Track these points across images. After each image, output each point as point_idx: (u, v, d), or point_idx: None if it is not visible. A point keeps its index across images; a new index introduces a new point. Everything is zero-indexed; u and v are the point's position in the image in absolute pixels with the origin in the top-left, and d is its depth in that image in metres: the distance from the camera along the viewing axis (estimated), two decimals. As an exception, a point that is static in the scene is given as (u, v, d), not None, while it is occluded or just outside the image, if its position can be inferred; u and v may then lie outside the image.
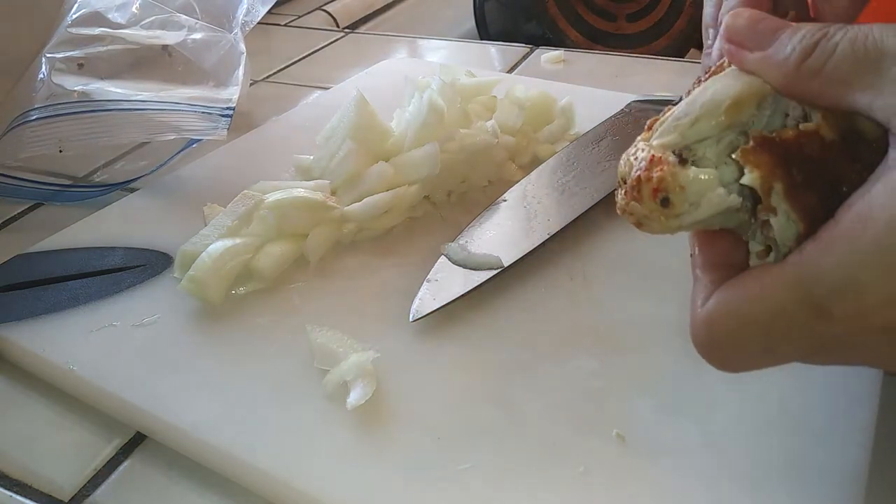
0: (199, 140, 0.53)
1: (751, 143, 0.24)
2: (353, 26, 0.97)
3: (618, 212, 0.27)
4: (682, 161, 0.25)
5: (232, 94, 0.54)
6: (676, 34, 0.91)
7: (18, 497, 0.32)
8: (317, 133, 0.49)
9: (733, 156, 0.25)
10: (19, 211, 0.53)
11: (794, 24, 0.25)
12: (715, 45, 0.28)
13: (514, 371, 0.33)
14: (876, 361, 0.25)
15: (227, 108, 0.52)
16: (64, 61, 0.54)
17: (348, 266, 0.43)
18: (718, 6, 0.32)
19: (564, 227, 0.43)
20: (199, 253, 0.40)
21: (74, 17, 0.56)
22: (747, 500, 0.29)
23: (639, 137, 0.27)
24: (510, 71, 0.73)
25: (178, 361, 0.37)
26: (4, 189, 0.52)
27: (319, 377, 0.35)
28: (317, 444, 0.32)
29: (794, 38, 0.24)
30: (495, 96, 0.53)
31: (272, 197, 0.43)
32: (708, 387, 0.34)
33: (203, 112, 0.52)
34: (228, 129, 0.51)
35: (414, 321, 0.38)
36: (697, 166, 0.25)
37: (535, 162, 0.51)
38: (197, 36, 0.59)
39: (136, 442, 0.35)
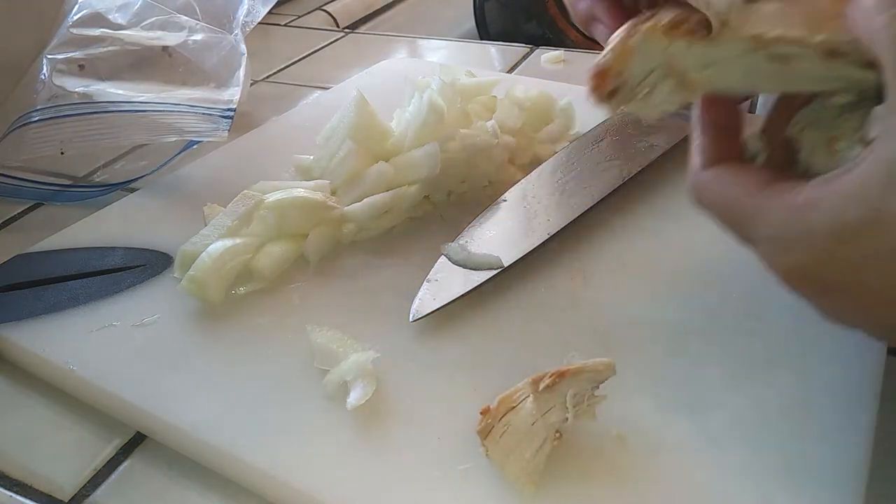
0: (200, 141, 0.53)
1: None
2: (353, 26, 0.97)
3: None
4: None
5: (233, 95, 0.54)
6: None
7: (18, 497, 0.32)
8: (317, 133, 0.49)
9: None
10: (19, 211, 0.53)
11: None
12: None
13: (514, 371, 0.33)
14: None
15: (228, 110, 0.52)
16: (65, 62, 0.54)
17: (348, 266, 0.43)
18: None
19: (564, 227, 0.43)
20: (199, 253, 0.40)
21: (75, 17, 0.56)
22: (747, 500, 0.29)
23: None
24: (510, 71, 0.73)
25: (178, 361, 0.37)
26: (4, 189, 0.52)
27: (319, 377, 0.35)
28: (317, 444, 0.32)
29: None
30: (495, 96, 0.53)
31: (272, 197, 0.43)
32: (708, 387, 0.34)
33: (204, 113, 0.52)
34: (229, 130, 0.51)
35: (414, 321, 0.38)
36: None
37: (535, 162, 0.51)
38: (197, 37, 0.59)
39: (136, 442, 0.35)
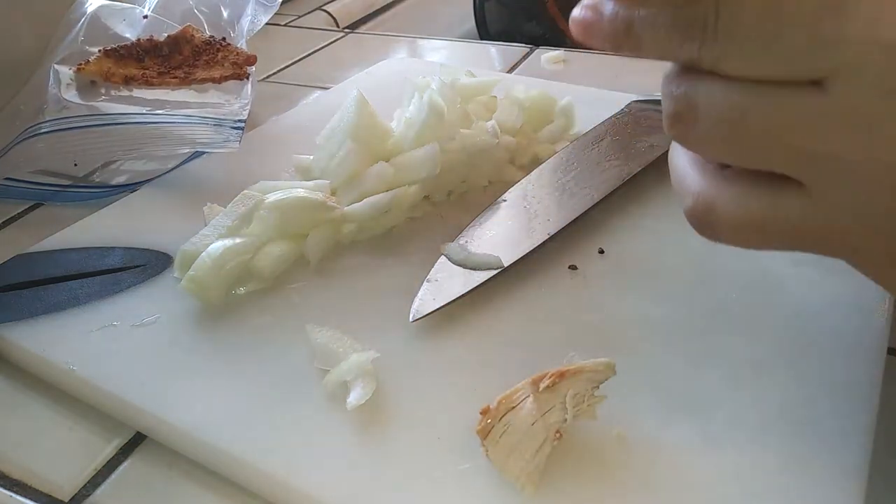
0: (209, 152, 0.54)
1: None
2: (353, 26, 0.97)
3: None
4: None
5: (243, 106, 0.54)
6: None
7: (18, 497, 0.32)
8: (317, 133, 0.49)
9: None
10: (19, 211, 0.53)
11: None
12: None
13: (515, 371, 0.33)
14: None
15: (238, 121, 0.52)
16: (75, 77, 0.55)
17: (348, 266, 0.43)
18: None
19: (564, 227, 0.43)
20: (199, 253, 0.40)
21: (83, 30, 0.57)
22: (747, 500, 0.29)
23: None
24: (510, 71, 0.73)
25: (178, 361, 0.37)
26: (4, 189, 0.52)
27: (319, 377, 0.35)
28: (317, 444, 0.32)
29: None
30: (495, 96, 0.53)
31: (272, 197, 0.43)
32: (708, 387, 0.34)
33: (215, 125, 0.52)
34: (240, 141, 0.51)
35: (414, 321, 0.38)
36: None
37: (535, 162, 0.51)
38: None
39: (136, 442, 0.35)
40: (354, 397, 0.33)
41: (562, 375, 0.31)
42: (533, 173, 0.49)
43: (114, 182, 0.54)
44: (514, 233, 0.43)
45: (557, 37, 0.95)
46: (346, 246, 0.45)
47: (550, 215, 0.44)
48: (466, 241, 0.42)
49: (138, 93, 0.55)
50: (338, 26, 0.96)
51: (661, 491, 0.29)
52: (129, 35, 0.60)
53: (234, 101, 0.55)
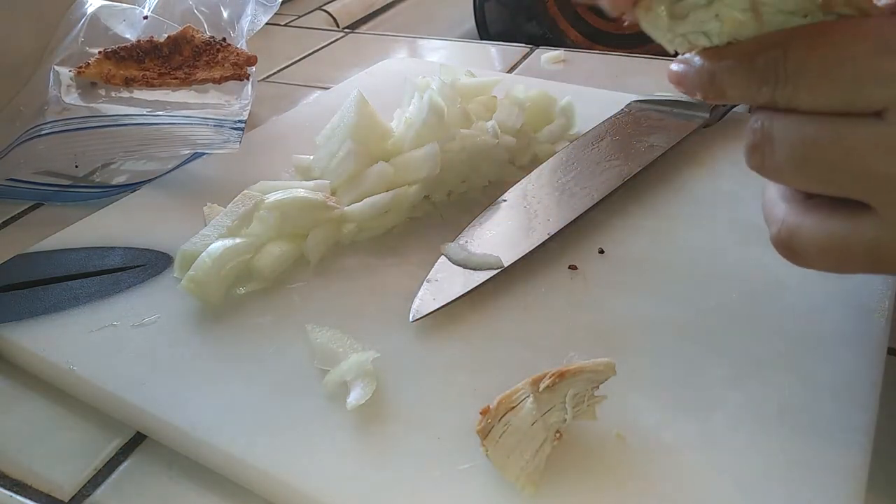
0: (209, 152, 0.54)
1: None
2: (353, 26, 0.97)
3: None
4: None
5: (243, 106, 0.54)
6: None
7: (18, 497, 0.32)
8: (317, 133, 0.49)
9: None
10: (19, 211, 0.53)
11: None
12: None
13: (515, 371, 0.33)
14: None
15: (239, 121, 0.52)
16: (75, 78, 0.55)
17: (348, 266, 0.43)
18: None
19: (564, 227, 0.43)
20: (199, 253, 0.40)
21: (83, 31, 0.57)
22: (747, 500, 0.29)
23: None
24: (510, 71, 0.73)
25: (178, 361, 0.37)
26: (4, 189, 0.52)
27: (319, 377, 0.35)
28: (317, 444, 0.32)
29: None
30: (495, 96, 0.53)
31: (272, 197, 0.43)
32: (708, 387, 0.34)
33: (215, 126, 0.52)
34: (240, 142, 0.51)
35: (414, 321, 0.38)
36: None
37: (535, 162, 0.51)
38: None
39: (136, 442, 0.35)
40: (354, 397, 0.33)
41: (562, 375, 0.31)
42: (533, 173, 0.49)
43: (114, 182, 0.54)
44: (514, 233, 0.43)
45: (557, 37, 0.95)
46: (346, 246, 0.45)
47: (550, 215, 0.44)
48: (466, 241, 0.42)
49: (139, 94, 0.55)
50: (338, 26, 0.96)
51: (661, 491, 0.29)
52: (129, 36, 0.60)
53: (234, 101, 0.55)
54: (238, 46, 0.59)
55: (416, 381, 0.35)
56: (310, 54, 0.81)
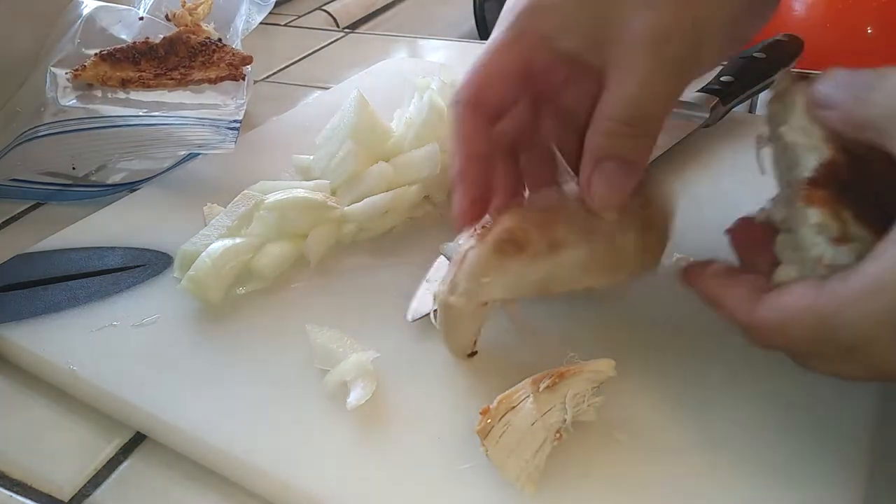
0: (206, 153, 0.54)
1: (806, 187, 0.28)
2: (353, 26, 0.97)
3: None
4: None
5: (238, 106, 0.54)
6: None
7: (18, 497, 0.32)
8: (317, 133, 0.49)
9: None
10: (19, 211, 0.53)
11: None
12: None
13: (514, 371, 0.33)
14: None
15: (234, 121, 0.52)
16: (71, 80, 0.55)
17: (348, 266, 0.43)
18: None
19: (564, 227, 0.43)
20: (199, 253, 0.40)
21: (79, 33, 0.57)
22: (747, 500, 0.29)
23: None
24: (510, 71, 0.73)
25: (178, 361, 0.37)
26: (4, 189, 0.52)
27: (319, 377, 0.35)
28: (317, 444, 0.32)
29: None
30: (495, 96, 0.53)
31: (272, 197, 0.43)
32: (708, 387, 0.34)
33: (212, 126, 0.52)
34: (236, 141, 0.52)
35: (413, 321, 0.38)
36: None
37: (535, 162, 0.51)
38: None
39: (136, 442, 0.35)
40: (354, 397, 0.33)
41: (562, 376, 0.31)
42: (533, 173, 0.49)
43: (110, 181, 0.54)
44: (514, 233, 0.43)
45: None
46: (346, 246, 0.45)
47: (550, 215, 0.44)
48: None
49: (135, 95, 0.55)
50: (338, 26, 0.96)
51: (661, 491, 0.29)
52: (125, 36, 0.60)
53: (230, 101, 0.55)
54: (233, 46, 0.59)
55: (416, 381, 0.35)
56: (310, 54, 0.81)
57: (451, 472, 0.30)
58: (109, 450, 0.34)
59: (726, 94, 0.54)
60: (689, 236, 0.44)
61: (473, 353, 0.34)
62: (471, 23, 1.01)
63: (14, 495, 0.32)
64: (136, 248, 0.45)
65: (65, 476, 0.33)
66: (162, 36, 0.58)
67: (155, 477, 0.33)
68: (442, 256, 0.42)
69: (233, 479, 0.32)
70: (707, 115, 0.53)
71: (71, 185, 0.54)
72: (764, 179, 0.33)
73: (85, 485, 0.33)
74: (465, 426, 0.32)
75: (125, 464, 0.34)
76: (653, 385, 0.34)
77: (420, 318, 0.38)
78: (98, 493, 0.32)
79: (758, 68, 0.56)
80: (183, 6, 0.63)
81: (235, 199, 0.43)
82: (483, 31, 1.00)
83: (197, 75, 0.56)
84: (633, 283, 0.38)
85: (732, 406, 0.33)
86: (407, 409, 0.33)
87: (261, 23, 0.66)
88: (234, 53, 0.58)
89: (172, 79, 0.56)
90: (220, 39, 0.60)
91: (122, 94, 0.55)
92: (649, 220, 0.35)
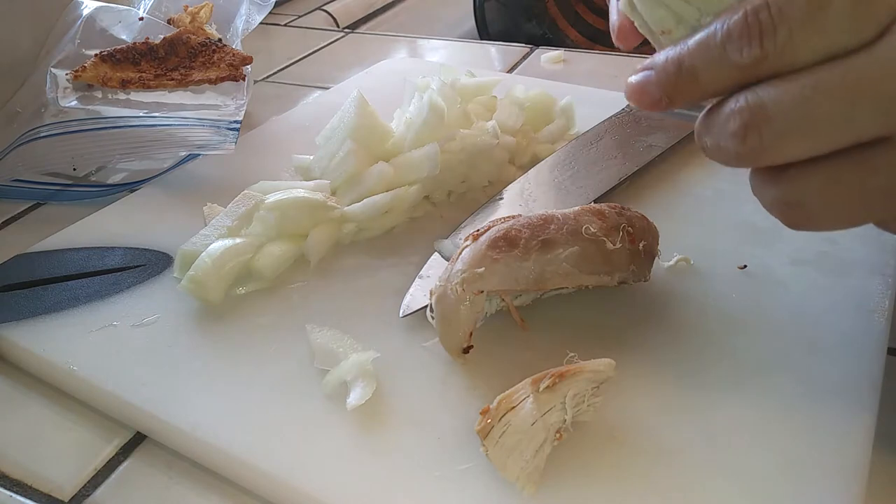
0: (206, 153, 0.54)
1: None
2: (353, 26, 0.97)
3: None
4: None
5: (239, 107, 0.54)
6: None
7: (18, 497, 0.32)
8: (317, 133, 0.49)
9: None
10: (19, 211, 0.53)
11: None
12: None
13: (514, 371, 0.33)
14: None
15: (234, 122, 0.52)
16: (71, 81, 0.55)
17: (348, 266, 0.43)
18: None
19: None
20: (199, 253, 0.40)
21: (79, 33, 0.57)
22: (747, 500, 0.29)
23: None
24: (510, 71, 0.73)
25: (178, 361, 0.37)
26: (5, 189, 0.52)
27: (319, 377, 0.35)
28: (317, 444, 0.32)
29: None
30: (495, 96, 0.53)
31: (272, 197, 0.43)
32: (708, 387, 0.34)
33: (212, 126, 0.52)
34: (236, 142, 0.52)
35: (404, 317, 0.38)
36: None
37: (535, 162, 0.51)
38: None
39: (136, 442, 0.35)
40: (354, 397, 0.33)
41: (562, 376, 0.31)
42: (531, 171, 0.49)
43: (110, 180, 0.54)
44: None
45: (557, 37, 0.95)
46: (346, 246, 0.45)
47: (550, 215, 0.44)
48: (461, 238, 0.42)
49: (135, 96, 0.55)
50: (338, 26, 0.96)
51: (661, 491, 0.29)
52: (125, 37, 0.60)
53: (230, 102, 0.55)
54: (233, 46, 0.59)
55: (416, 381, 0.35)
56: (310, 54, 0.81)
57: (451, 472, 0.30)
58: (109, 450, 0.34)
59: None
60: (689, 236, 0.44)
61: (469, 349, 0.34)
62: (471, 23, 1.01)
63: (14, 495, 0.32)
64: (136, 248, 0.45)
65: (65, 476, 0.33)
66: (162, 36, 0.58)
67: (155, 477, 0.33)
68: (435, 253, 0.42)
69: (233, 479, 0.32)
70: (707, 115, 0.53)
71: (71, 185, 0.54)
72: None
73: (85, 485, 0.33)
74: (465, 426, 0.32)
75: (125, 464, 0.34)
76: (653, 385, 0.34)
77: (411, 313, 0.38)
78: (98, 493, 0.32)
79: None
80: (185, 10, 0.63)
81: (235, 199, 0.43)
82: (483, 31, 1.00)
83: (197, 76, 0.56)
84: (626, 287, 0.38)
85: (732, 406, 0.33)
86: (407, 410, 0.33)
87: (261, 23, 0.66)
88: (234, 54, 0.58)
89: (173, 79, 0.56)
90: (220, 40, 0.60)
91: (122, 95, 0.55)
92: (634, 237, 0.36)
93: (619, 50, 0.39)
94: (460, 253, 0.35)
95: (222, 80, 0.56)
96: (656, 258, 0.38)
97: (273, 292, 0.41)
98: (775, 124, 0.25)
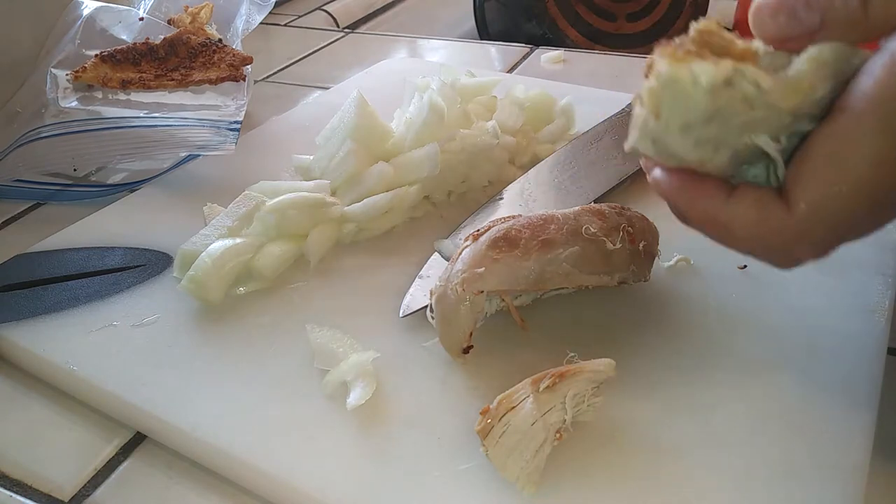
0: (206, 154, 0.54)
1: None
2: (353, 26, 0.97)
3: None
4: None
5: (239, 107, 0.54)
6: (676, 34, 0.92)
7: (18, 497, 0.32)
8: (317, 133, 0.49)
9: None
10: (19, 211, 0.53)
11: None
12: None
13: (514, 371, 0.33)
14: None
15: (235, 122, 0.52)
16: (72, 81, 0.55)
17: (348, 266, 0.43)
18: None
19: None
20: (199, 253, 0.40)
21: (79, 33, 0.57)
22: (747, 499, 0.29)
23: None
24: (510, 71, 0.73)
25: (178, 361, 0.37)
26: (5, 189, 0.52)
27: (319, 377, 0.35)
28: (317, 444, 0.32)
29: None
30: (495, 96, 0.53)
31: (272, 197, 0.43)
32: (708, 387, 0.34)
33: (212, 127, 0.52)
34: (236, 143, 0.52)
35: (403, 317, 0.38)
36: None
37: (535, 162, 0.51)
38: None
39: (136, 442, 0.35)
40: (354, 397, 0.33)
41: (562, 376, 0.31)
42: (531, 171, 0.49)
43: (110, 180, 0.54)
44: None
45: (557, 37, 0.95)
46: (346, 246, 0.45)
47: (550, 215, 0.44)
48: (461, 238, 0.42)
49: (135, 96, 0.55)
50: (338, 26, 0.96)
51: (661, 491, 0.29)
52: (125, 37, 0.60)
53: (230, 102, 0.55)
54: (233, 47, 0.59)
55: (416, 381, 0.35)
56: (310, 54, 0.81)
57: (451, 472, 0.30)
58: (109, 450, 0.34)
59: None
60: (689, 236, 0.44)
61: (469, 349, 0.34)
62: (471, 23, 1.00)
63: (14, 495, 0.32)
64: (136, 248, 0.45)
65: (65, 476, 0.33)
66: (162, 37, 0.58)
67: (155, 477, 0.33)
68: (435, 253, 0.42)
69: (232, 479, 0.32)
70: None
71: (71, 185, 0.54)
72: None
73: (85, 485, 0.33)
74: (465, 426, 0.32)
75: (125, 464, 0.34)
76: (653, 385, 0.34)
77: (411, 313, 0.38)
78: (98, 493, 0.32)
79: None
80: (185, 10, 0.63)
81: (236, 199, 0.43)
82: (483, 31, 1.00)
83: (197, 76, 0.56)
84: (626, 287, 0.38)
85: (732, 406, 0.33)
86: (407, 410, 0.33)
87: (261, 23, 0.66)
88: (234, 54, 0.58)
89: (173, 80, 0.56)
90: (220, 40, 0.60)
91: (122, 96, 0.55)
92: (634, 237, 0.36)
93: (618, 50, 0.38)
94: (460, 253, 0.35)
95: (222, 80, 0.56)
96: (656, 258, 0.38)
97: (273, 292, 0.41)
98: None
